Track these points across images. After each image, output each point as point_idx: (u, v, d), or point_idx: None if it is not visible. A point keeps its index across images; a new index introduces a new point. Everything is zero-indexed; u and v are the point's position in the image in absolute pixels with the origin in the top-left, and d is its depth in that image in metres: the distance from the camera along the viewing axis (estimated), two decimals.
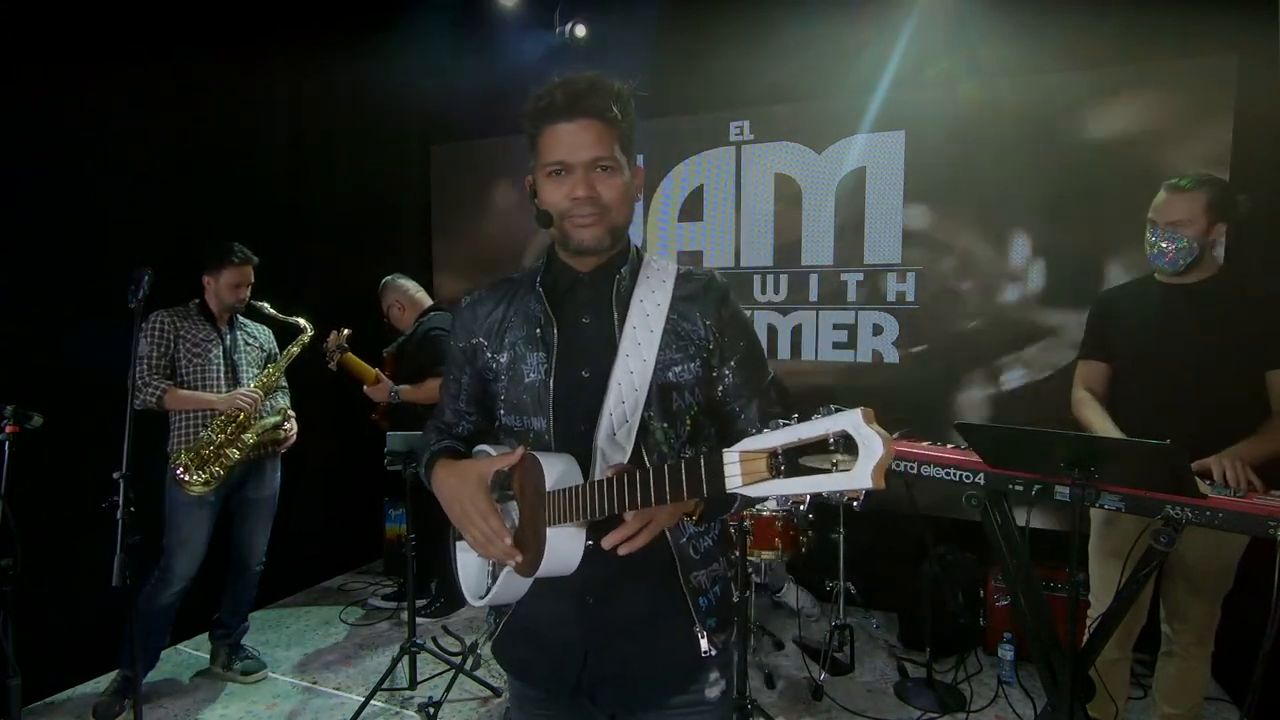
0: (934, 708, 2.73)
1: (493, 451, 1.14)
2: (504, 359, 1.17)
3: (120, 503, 2.06)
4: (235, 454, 2.78)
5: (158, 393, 2.68)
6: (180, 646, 3.26)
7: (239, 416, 2.81)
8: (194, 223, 3.17)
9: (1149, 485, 1.67)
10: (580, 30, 3.90)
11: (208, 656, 3.09)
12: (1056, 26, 3.04)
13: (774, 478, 0.76)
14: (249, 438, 2.82)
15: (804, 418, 0.76)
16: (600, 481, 0.95)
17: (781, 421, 0.77)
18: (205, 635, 3.13)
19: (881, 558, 3.39)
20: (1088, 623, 2.16)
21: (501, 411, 1.20)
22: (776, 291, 3.70)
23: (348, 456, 4.00)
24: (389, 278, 3.59)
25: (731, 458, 0.79)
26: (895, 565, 3.33)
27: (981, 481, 1.90)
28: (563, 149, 1.08)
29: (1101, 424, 2.05)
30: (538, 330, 1.15)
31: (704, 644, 1.13)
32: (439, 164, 4.55)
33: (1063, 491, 1.73)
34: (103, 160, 2.96)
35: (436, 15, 3.92)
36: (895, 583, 3.33)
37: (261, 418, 2.88)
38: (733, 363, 1.17)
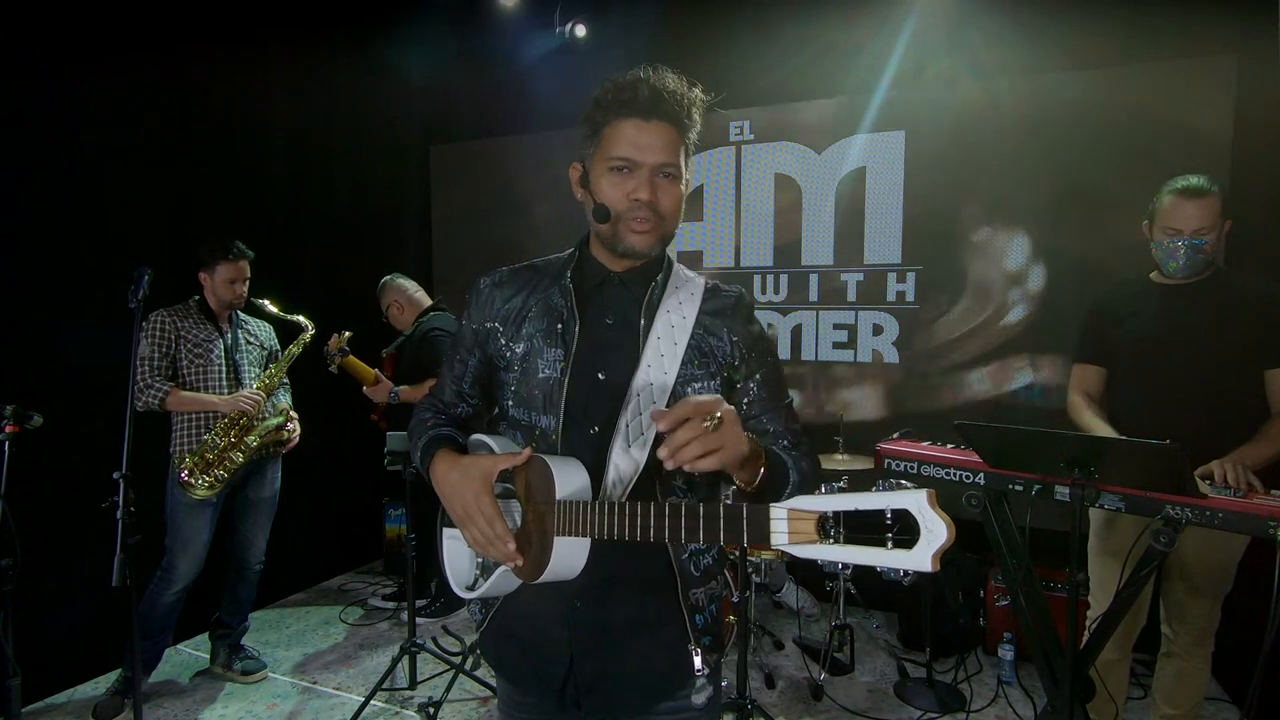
0: (934, 708, 2.73)
1: (491, 443, 1.11)
2: (519, 350, 1.14)
3: (120, 503, 2.06)
4: (239, 457, 2.77)
5: (160, 394, 2.66)
6: (180, 646, 3.25)
7: (241, 419, 2.80)
8: (194, 223, 3.18)
9: (1149, 485, 1.67)
10: (580, 30, 3.89)
11: (208, 656, 3.09)
12: (1056, 26, 3.04)
13: (823, 542, 0.76)
14: (252, 440, 2.80)
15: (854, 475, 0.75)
16: (626, 505, 0.93)
17: (837, 486, 0.76)
18: (205, 635, 3.13)
19: None
20: (1087, 623, 2.16)
21: (509, 403, 1.16)
22: (776, 291, 3.70)
23: (348, 456, 4.00)
24: (388, 277, 3.59)
25: (779, 513, 0.79)
26: None
27: (981, 481, 1.90)
28: (633, 147, 1.06)
29: (1098, 428, 2.05)
30: (559, 326, 1.12)
31: (698, 662, 1.10)
32: (439, 164, 4.55)
33: (1063, 491, 1.73)
34: (102, 160, 2.96)
35: (436, 15, 3.93)
36: (895, 583, 3.33)
37: (264, 419, 2.87)
38: (758, 377, 1.15)
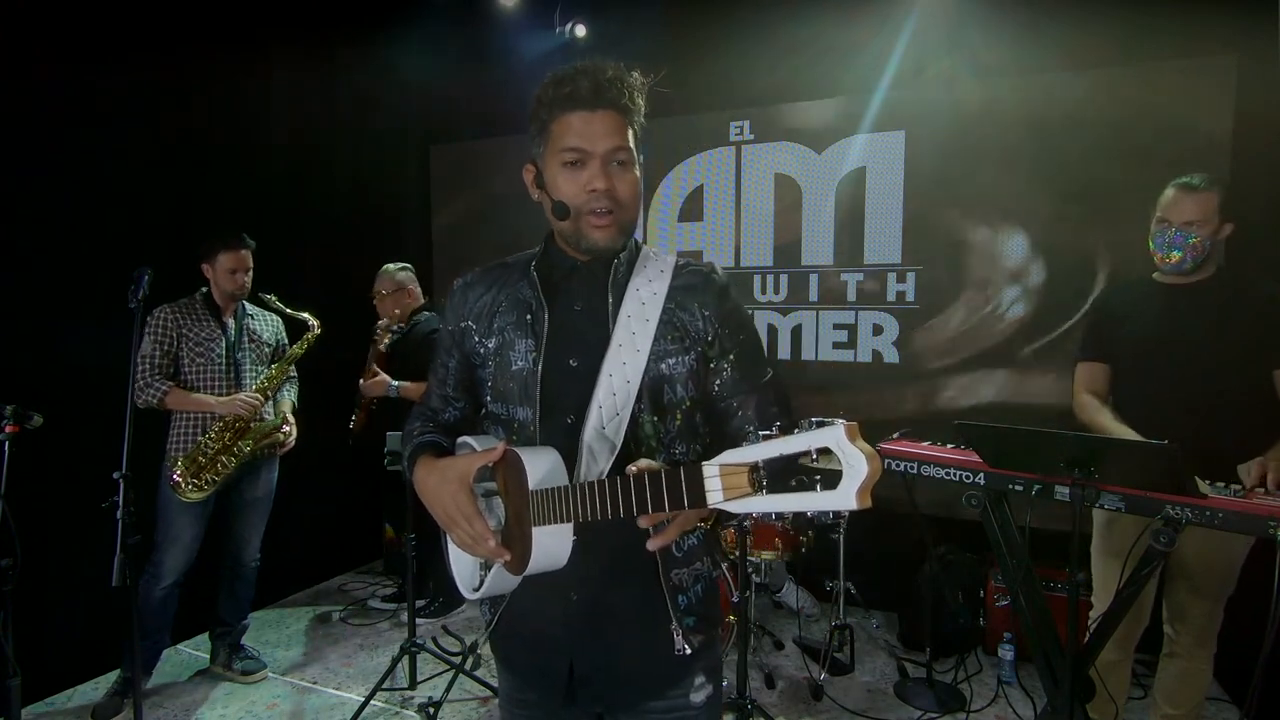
0: (934, 708, 2.72)
1: (475, 444, 1.11)
2: (492, 344, 1.15)
3: (120, 503, 2.06)
4: (231, 461, 2.77)
5: (159, 393, 2.67)
6: (180, 646, 3.25)
7: (237, 422, 2.79)
8: (194, 223, 3.17)
9: (1149, 485, 1.67)
10: (580, 30, 3.90)
11: (208, 657, 3.09)
12: (1056, 26, 3.04)
13: (755, 493, 0.73)
14: (245, 445, 2.79)
15: (789, 429, 0.73)
16: (584, 485, 0.94)
17: (763, 433, 0.73)
18: (205, 635, 3.13)
19: (881, 558, 3.39)
20: (1089, 622, 2.16)
21: (488, 399, 1.17)
22: (776, 291, 3.70)
23: (347, 456, 3.99)
24: (397, 267, 3.54)
25: (711, 471, 0.77)
26: (895, 565, 3.33)
27: (981, 481, 1.90)
28: (582, 137, 1.05)
29: (1111, 425, 2.04)
30: (528, 316, 1.13)
31: (679, 641, 1.10)
32: (439, 164, 4.55)
33: (1063, 491, 1.73)
34: (103, 160, 2.96)
35: (436, 15, 3.93)
36: (895, 583, 3.33)
37: (261, 420, 2.86)
38: (731, 357, 1.14)
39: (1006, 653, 2.89)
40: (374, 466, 3.06)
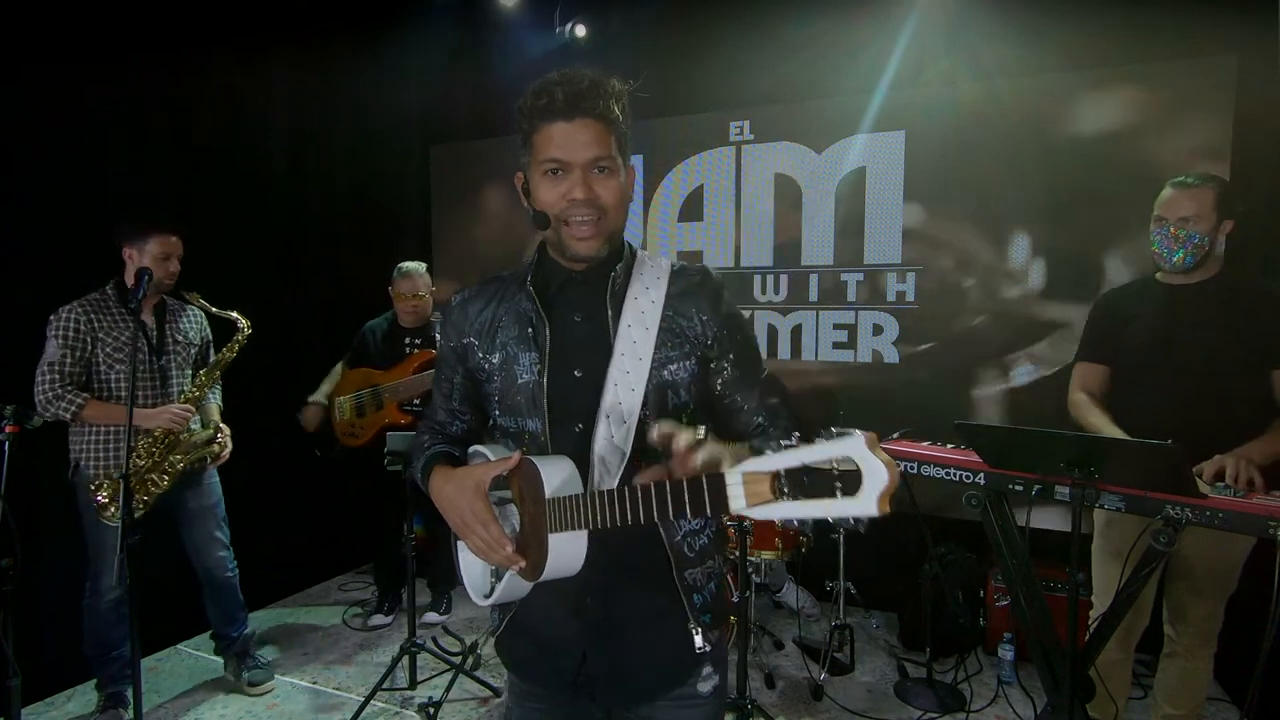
0: (934, 708, 2.72)
1: (488, 454, 1.13)
2: (496, 359, 1.17)
3: (121, 503, 2.06)
4: (163, 481, 2.52)
5: (74, 407, 2.38)
6: (180, 647, 3.25)
7: (166, 436, 2.53)
8: (193, 223, 3.16)
9: (1149, 485, 1.67)
10: (580, 30, 3.90)
11: (209, 656, 3.08)
12: (1056, 26, 3.04)
13: (777, 500, 0.77)
14: (176, 459, 2.55)
15: (805, 435, 0.76)
16: (605, 492, 0.95)
17: (784, 442, 0.76)
18: (206, 635, 3.12)
19: (881, 558, 3.39)
20: (1089, 622, 2.16)
21: (496, 412, 1.19)
22: (776, 291, 3.70)
23: (347, 456, 3.99)
24: (419, 266, 3.45)
25: (735, 479, 0.79)
26: (895, 565, 3.33)
27: (981, 481, 1.90)
28: (561, 147, 1.06)
29: (1103, 425, 2.04)
30: (529, 330, 1.14)
31: (699, 640, 1.13)
32: (439, 164, 4.55)
33: (1063, 491, 1.73)
34: (102, 160, 2.97)
35: (436, 15, 3.93)
36: (895, 583, 3.34)
37: (191, 432, 2.63)
38: (731, 356, 1.16)
39: (1006, 653, 2.89)
40: (375, 466, 3.07)
